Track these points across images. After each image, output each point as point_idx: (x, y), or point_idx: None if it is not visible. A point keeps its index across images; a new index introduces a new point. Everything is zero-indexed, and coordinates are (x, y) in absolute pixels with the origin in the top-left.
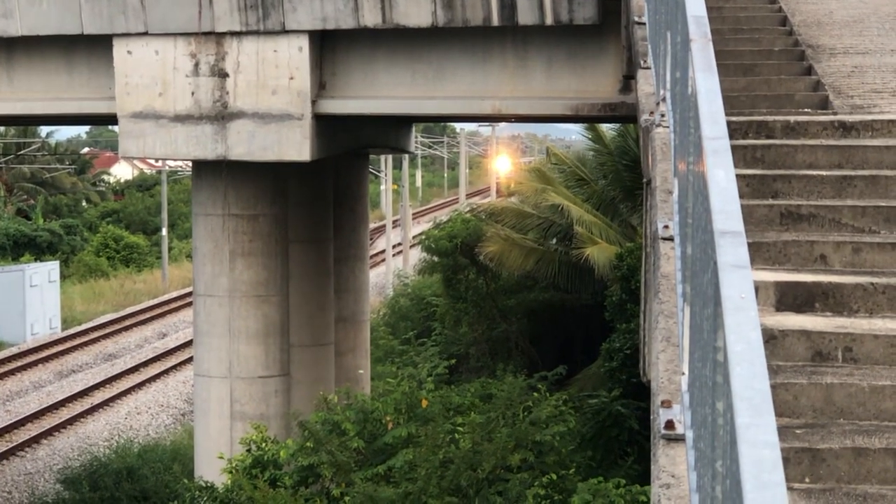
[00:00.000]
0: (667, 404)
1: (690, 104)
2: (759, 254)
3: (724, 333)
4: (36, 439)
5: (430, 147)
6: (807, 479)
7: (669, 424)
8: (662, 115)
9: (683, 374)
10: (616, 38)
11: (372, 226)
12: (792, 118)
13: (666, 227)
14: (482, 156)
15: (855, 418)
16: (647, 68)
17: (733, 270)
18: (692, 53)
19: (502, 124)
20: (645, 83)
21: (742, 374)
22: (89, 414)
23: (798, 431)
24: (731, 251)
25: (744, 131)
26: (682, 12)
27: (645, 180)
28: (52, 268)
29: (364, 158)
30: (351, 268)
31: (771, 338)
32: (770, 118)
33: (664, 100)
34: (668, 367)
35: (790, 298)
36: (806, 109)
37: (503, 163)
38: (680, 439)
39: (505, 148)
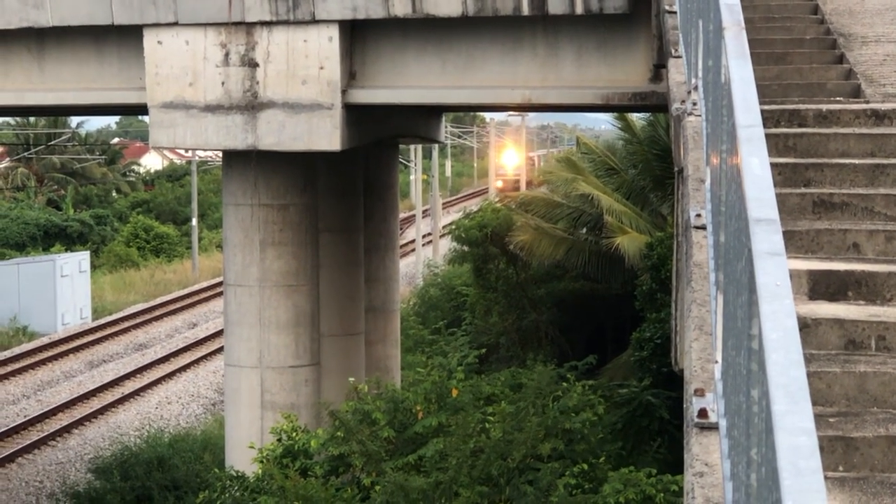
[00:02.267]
0: (700, 393)
1: (723, 92)
2: (792, 242)
3: (760, 321)
4: (67, 429)
5: (459, 137)
6: (840, 468)
7: (703, 413)
8: (694, 104)
9: (717, 362)
10: (646, 27)
11: (402, 215)
12: (824, 106)
13: (698, 215)
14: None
15: (889, 407)
16: (679, 57)
17: (768, 258)
18: (725, 41)
19: (532, 114)
20: (676, 72)
21: (778, 362)
22: (120, 403)
23: (831, 420)
24: (766, 238)
25: (776, 119)
26: (715, 0)
27: (676, 169)
28: (82, 258)
29: (394, 148)
30: (381, 257)
31: (804, 326)
32: (802, 107)
33: (696, 88)
34: (701, 355)
35: (823, 287)
36: (838, 98)
37: (510, 157)
38: (713, 428)
39: (512, 137)
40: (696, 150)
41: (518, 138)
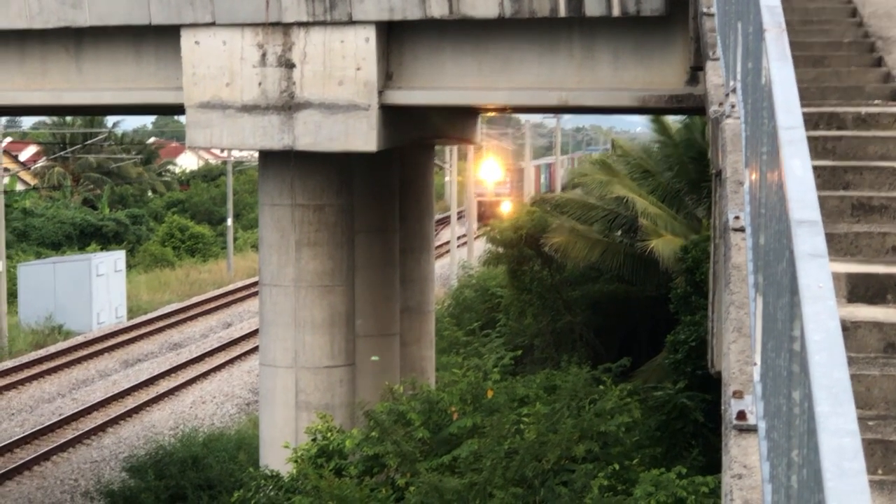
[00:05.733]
0: (738, 395)
1: (764, 94)
2: (831, 245)
3: (802, 323)
4: (102, 427)
5: (494, 138)
6: (880, 471)
7: (741, 415)
8: (733, 106)
9: (755, 364)
10: (683, 30)
11: (437, 217)
12: (863, 109)
13: (737, 217)
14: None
15: None
16: (716, 59)
17: (811, 259)
18: (766, 43)
19: (566, 116)
20: (714, 74)
21: (821, 363)
22: (154, 402)
23: (870, 423)
24: (809, 240)
25: (814, 122)
26: (755, 2)
27: (714, 171)
28: (118, 257)
29: (429, 149)
30: (416, 258)
31: (843, 329)
32: (840, 109)
33: (734, 91)
34: (740, 357)
35: (862, 290)
36: (876, 101)
37: (490, 169)
38: (752, 430)
39: (495, 142)
40: (735, 152)
41: (505, 143)
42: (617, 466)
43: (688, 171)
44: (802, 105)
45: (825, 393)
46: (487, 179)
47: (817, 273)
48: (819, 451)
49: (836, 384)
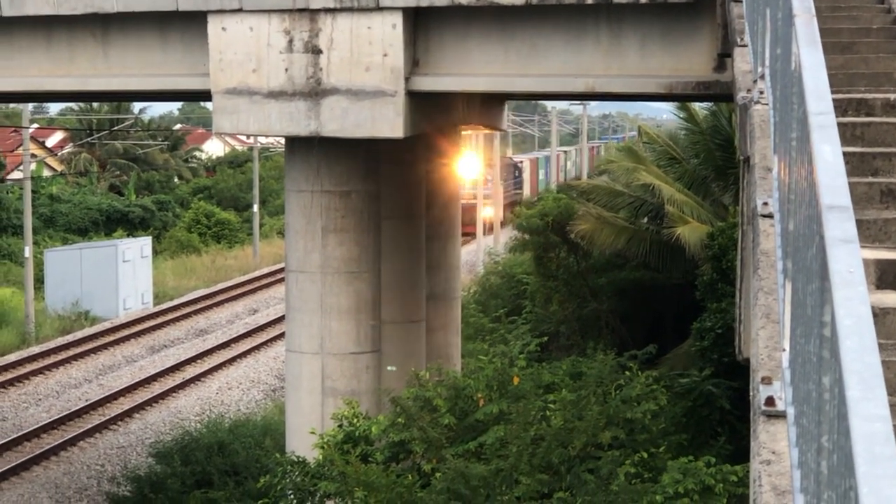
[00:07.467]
0: (767, 381)
1: (793, 80)
2: (860, 232)
3: (833, 308)
4: (128, 413)
5: (521, 125)
6: None
7: (770, 401)
8: (761, 93)
9: (784, 350)
10: (711, 16)
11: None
12: (892, 96)
13: (765, 203)
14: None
15: None
16: (744, 46)
17: (841, 245)
18: (796, 28)
19: (593, 103)
20: (742, 61)
21: (852, 348)
22: (181, 388)
23: None
24: (839, 226)
25: (843, 109)
26: None
27: (742, 158)
28: (144, 243)
29: (456, 135)
30: (442, 245)
31: (872, 315)
32: (869, 96)
33: (762, 77)
34: (768, 343)
35: (891, 276)
36: None
37: (469, 165)
38: (781, 416)
39: (472, 137)
40: (763, 138)
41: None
42: (645, 454)
43: (714, 157)
44: (831, 91)
45: (856, 378)
46: (464, 177)
47: (848, 258)
48: (850, 436)
49: (868, 369)
